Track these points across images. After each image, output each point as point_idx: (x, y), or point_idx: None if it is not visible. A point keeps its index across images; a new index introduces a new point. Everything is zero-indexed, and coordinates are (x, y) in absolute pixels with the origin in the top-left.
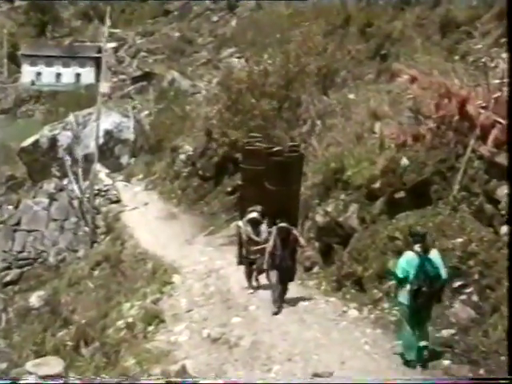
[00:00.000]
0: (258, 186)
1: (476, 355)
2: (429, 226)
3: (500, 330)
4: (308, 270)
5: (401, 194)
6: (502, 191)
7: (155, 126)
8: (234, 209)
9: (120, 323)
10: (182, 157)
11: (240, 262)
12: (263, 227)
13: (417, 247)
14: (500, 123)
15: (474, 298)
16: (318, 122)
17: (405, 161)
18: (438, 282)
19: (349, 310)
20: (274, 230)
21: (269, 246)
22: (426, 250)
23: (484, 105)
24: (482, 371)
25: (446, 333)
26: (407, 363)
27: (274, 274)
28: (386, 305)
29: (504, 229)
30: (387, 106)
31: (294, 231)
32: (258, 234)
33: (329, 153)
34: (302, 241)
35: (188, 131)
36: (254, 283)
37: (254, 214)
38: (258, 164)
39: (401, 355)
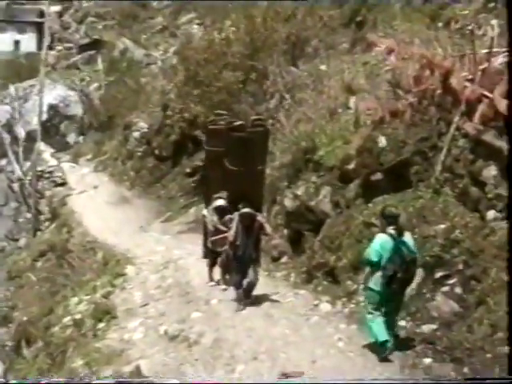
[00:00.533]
0: (222, 169)
1: (460, 352)
2: (409, 211)
3: (486, 325)
4: (276, 260)
5: (378, 176)
6: (489, 172)
7: (106, 100)
8: (193, 193)
9: (66, 320)
10: (136, 134)
11: (206, 256)
12: (231, 216)
13: (390, 229)
14: (487, 97)
15: (458, 289)
16: (287, 96)
17: (382, 139)
18: (413, 267)
19: (320, 304)
20: (235, 216)
21: (230, 234)
22: (400, 233)
23: (470, 77)
24: (466, 369)
25: (426, 328)
26: (381, 347)
27: (235, 267)
28: (361, 298)
29: (491, 214)
30: (363, 78)
31: (259, 217)
32: (224, 223)
33: (299, 130)
34: (267, 228)
35: (142, 106)
36: (217, 276)
37: (221, 202)
38: (222, 145)
39: (376, 344)
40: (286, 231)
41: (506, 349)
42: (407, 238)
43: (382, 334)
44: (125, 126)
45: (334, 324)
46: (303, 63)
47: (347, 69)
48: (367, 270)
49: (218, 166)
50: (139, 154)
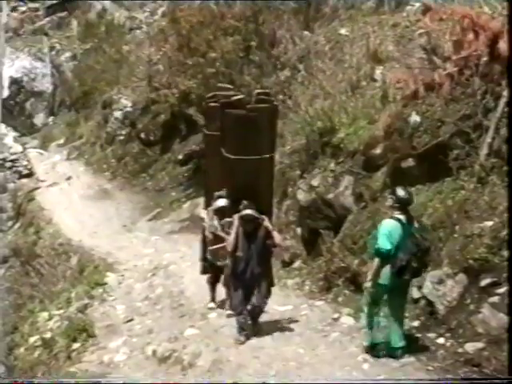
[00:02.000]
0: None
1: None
2: (448, 205)
3: None
4: (287, 265)
5: (410, 163)
6: None
7: (81, 73)
8: (187, 184)
9: (34, 340)
10: (118, 114)
11: (204, 270)
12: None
13: (398, 213)
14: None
15: (508, 300)
16: (300, 67)
17: (415, 118)
18: (426, 256)
19: (341, 317)
20: (235, 219)
21: (228, 243)
22: (409, 219)
23: None
24: None
25: (470, 347)
26: (374, 351)
27: (234, 284)
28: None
29: None
30: (392, 44)
31: (266, 222)
32: (227, 228)
33: (314, 108)
34: (276, 237)
35: (125, 80)
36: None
37: (223, 202)
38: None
39: (369, 347)
40: (299, 230)
41: None
42: (416, 224)
43: (378, 337)
44: (104, 103)
45: (357, 341)
46: (319, 26)
47: (373, 33)
48: (376, 263)
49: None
50: (121, 137)
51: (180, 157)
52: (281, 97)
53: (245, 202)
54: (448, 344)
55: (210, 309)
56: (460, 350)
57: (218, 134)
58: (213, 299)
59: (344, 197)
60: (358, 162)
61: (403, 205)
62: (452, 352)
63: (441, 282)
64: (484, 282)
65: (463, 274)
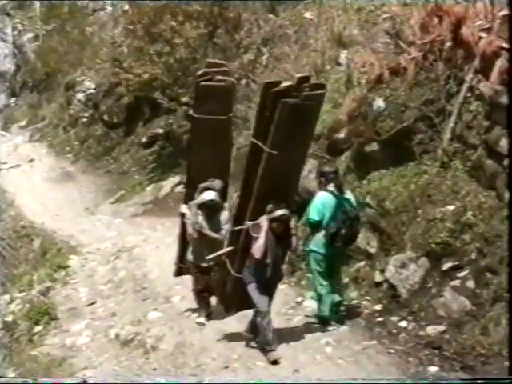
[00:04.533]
0: (217, 149)
1: (472, 359)
2: (411, 189)
3: (503, 326)
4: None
5: (373, 147)
6: (507, 142)
7: (43, 54)
8: (150, 167)
9: None
10: (81, 96)
11: (179, 271)
12: (224, 215)
13: (330, 187)
14: (507, 51)
15: (470, 283)
16: (265, 50)
17: (379, 102)
18: (357, 224)
19: (305, 301)
20: (263, 221)
21: (257, 249)
22: (340, 190)
23: (486, 26)
24: (480, 380)
25: (432, 330)
26: (323, 322)
27: (259, 293)
28: (354, 293)
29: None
30: (357, 28)
31: (292, 222)
32: (215, 226)
33: None
34: (294, 240)
35: (89, 62)
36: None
37: (211, 195)
38: (222, 111)
39: (316, 316)
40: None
41: None
42: (349, 195)
43: (325, 309)
44: (67, 85)
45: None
46: (284, 10)
47: (337, 16)
48: (308, 231)
49: (213, 143)
50: (85, 119)
51: (144, 139)
52: (245, 81)
53: (273, 202)
54: (410, 327)
55: (199, 324)
56: (421, 333)
57: (213, 117)
58: (202, 312)
59: (308, 180)
60: (321, 146)
61: (330, 178)
62: (414, 335)
63: (403, 265)
64: (446, 266)
65: (425, 257)
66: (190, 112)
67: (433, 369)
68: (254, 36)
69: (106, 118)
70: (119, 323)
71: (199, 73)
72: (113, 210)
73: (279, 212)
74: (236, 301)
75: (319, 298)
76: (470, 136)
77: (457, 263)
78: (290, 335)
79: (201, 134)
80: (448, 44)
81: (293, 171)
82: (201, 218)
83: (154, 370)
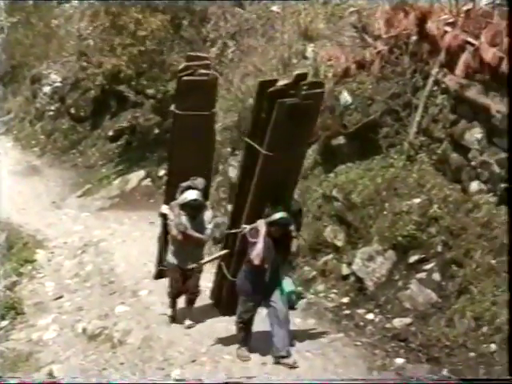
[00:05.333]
0: (195, 145)
1: (437, 351)
2: (377, 182)
3: (468, 318)
4: (219, 242)
5: (340, 140)
6: (473, 136)
7: (8, 46)
8: (117, 161)
9: None
10: (47, 90)
11: (159, 274)
12: (207, 215)
13: None
14: (472, 45)
15: (436, 276)
16: (231, 44)
17: (346, 96)
18: (299, 217)
19: None
20: (260, 225)
21: (255, 255)
22: None
23: (451, 20)
24: (444, 371)
25: (398, 323)
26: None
27: (249, 305)
28: (321, 286)
29: (474, 185)
30: (323, 22)
31: (292, 226)
32: (199, 226)
33: (245, 85)
34: (294, 244)
35: (55, 55)
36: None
37: (194, 195)
38: (205, 106)
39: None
40: (229, 207)
41: (493, 346)
42: None
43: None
44: (33, 78)
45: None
46: (250, 3)
47: (304, 10)
48: None
49: (196, 140)
50: (51, 113)
51: (110, 133)
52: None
53: (270, 205)
54: (377, 320)
55: (189, 327)
56: (388, 326)
57: (195, 113)
58: (174, 317)
59: None
60: None
61: None
62: (380, 327)
63: (370, 258)
64: (412, 259)
65: (392, 250)
66: (172, 108)
67: (399, 361)
68: (221, 29)
69: (72, 111)
70: (86, 317)
71: (180, 67)
72: (79, 203)
73: (277, 215)
74: (232, 305)
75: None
76: (436, 129)
77: (423, 256)
78: (257, 328)
79: (183, 130)
80: (414, 38)
81: (291, 173)
82: (184, 219)
83: (122, 364)
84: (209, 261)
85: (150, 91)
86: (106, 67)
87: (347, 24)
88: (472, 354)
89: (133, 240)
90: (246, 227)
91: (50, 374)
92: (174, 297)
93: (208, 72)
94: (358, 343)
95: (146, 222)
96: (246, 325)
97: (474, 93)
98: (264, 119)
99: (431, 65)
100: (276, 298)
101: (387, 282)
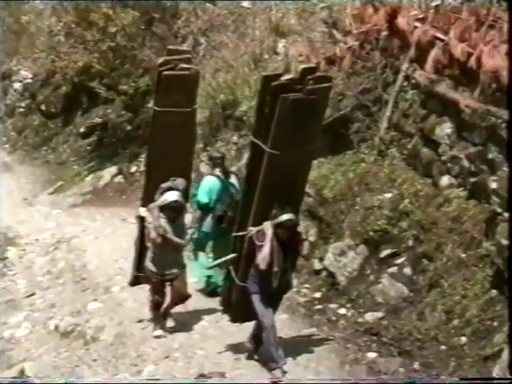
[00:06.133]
0: (176, 143)
1: (409, 344)
2: (348, 177)
3: (439, 311)
4: None
5: None
6: (443, 130)
7: None
8: (89, 157)
9: None
10: (18, 86)
11: (135, 281)
12: (188, 218)
13: (217, 171)
14: (442, 40)
15: (407, 270)
16: (202, 40)
17: None
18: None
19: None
20: (267, 228)
21: (262, 258)
22: (226, 174)
23: (420, 16)
24: (416, 364)
25: (370, 317)
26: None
27: (264, 305)
28: (293, 281)
29: (445, 180)
30: (294, 17)
31: (300, 227)
32: (178, 230)
33: (217, 80)
34: (305, 247)
35: (25, 51)
36: (166, 321)
37: (174, 196)
38: (186, 103)
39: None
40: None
41: (463, 339)
42: (233, 179)
43: (206, 271)
44: (3, 75)
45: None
46: None
47: (275, 6)
48: (197, 213)
49: (176, 138)
50: (22, 109)
51: (82, 129)
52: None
53: (278, 206)
54: (349, 314)
55: (157, 337)
56: (360, 320)
57: (175, 110)
58: (161, 325)
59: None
60: None
61: (217, 163)
62: (352, 322)
63: (342, 253)
64: (383, 253)
65: (364, 245)
66: (151, 105)
67: (371, 355)
68: (192, 25)
69: (43, 107)
70: (58, 314)
71: (160, 61)
72: (51, 200)
73: (284, 217)
74: (242, 311)
75: (198, 272)
76: (407, 124)
77: (394, 250)
78: (230, 324)
79: (163, 128)
80: (384, 33)
81: (298, 172)
82: (164, 222)
83: (94, 360)
84: (216, 265)
85: (122, 87)
86: (77, 63)
87: (318, 20)
88: (443, 347)
89: (105, 236)
90: (253, 229)
91: (22, 372)
92: (156, 307)
93: (189, 66)
94: (331, 337)
95: (119, 219)
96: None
97: (443, 88)
98: (268, 116)
99: (401, 60)
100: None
101: (359, 276)
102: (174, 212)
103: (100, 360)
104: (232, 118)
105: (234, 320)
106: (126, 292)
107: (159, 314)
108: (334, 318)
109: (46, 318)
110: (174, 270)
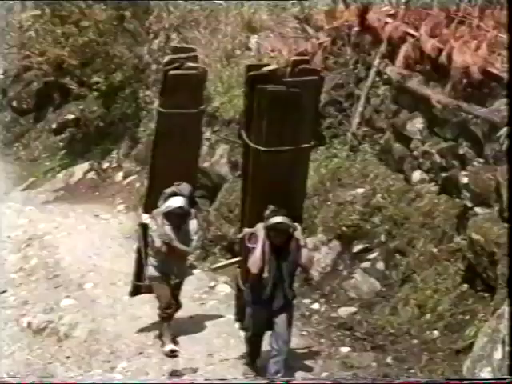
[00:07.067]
0: (181, 146)
1: (382, 339)
2: (321, 173)
3: (412, 306)
4: None
5: None
6: (414, 126)
7: None
8: (61, 153)
9: None
10: None
11: (135, 290)
12: (193, 224)
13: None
14: (413, 36)
15: (380, 265)
16: (174, 36)
17: None
18: None
19: (218, 285)
20: (259, 230)
21: (252, 262)
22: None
23: (391, 12)
24: (389, 359)
25: (343, 312)
26: None
27: (254, 315)
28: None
29: (416, 175)
30: (266, 13)
31: (298, 232)
32: (184, 237)
33: None
34: (303, 254)
35: None
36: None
37: (179, 202)
38: (192, 104)
39: None
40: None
41: (435, 333)
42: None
43: None
44: None
45: (234, 309)
46: None
47: (247, 1)
48: None
49: (182, 141)
50: None
51: (54, 126)
52: (155, 66)
53: (271, 207)
54: (322, 309)
55: (172, 352)
56: (333, 315)
57: (182, 111)
58: (171, 338)
59: (219, 165)
60: (233, 131)
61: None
62: (326, 317)
63: (315, 248)
64: (356, 248)
65: (337, 240)
66: (156, 106)
67: (344, 349)
68: (164, 21)
69: (14, 104)
70: (31, 311)
71: (165, 60)
72: (23, 197)
73: (275, 219)
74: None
75: None
76: (379, 120)
77: (367, 245)
78: (203, 320)
79: (168, 131)
80: (355, 29)
81: (292, 172)
82: (168, 229)
83: (68, 357)
84: (220, 267)
85: (94, 82)
86: (48, 56)
87: (290, 15)
88: (415, 341)
89: (78, 233)
90: (247, 231)
91: None
92: (168, 318)
93: (197, 65)
94: (304, 333)
95: (91, 215)
96: (254, 340)
97: (414, 83)
98: (248, 108)
99: (373, 56)
100: (280, 319)
101: (332, 271)
102: (178, 219)
103: (73, 357)
104: (204, 113)
105: (245, 329)
106: (99, 288)
107: (170, 327)
108: (307, 313)
109: (18, 315)
110: (178, 280)
